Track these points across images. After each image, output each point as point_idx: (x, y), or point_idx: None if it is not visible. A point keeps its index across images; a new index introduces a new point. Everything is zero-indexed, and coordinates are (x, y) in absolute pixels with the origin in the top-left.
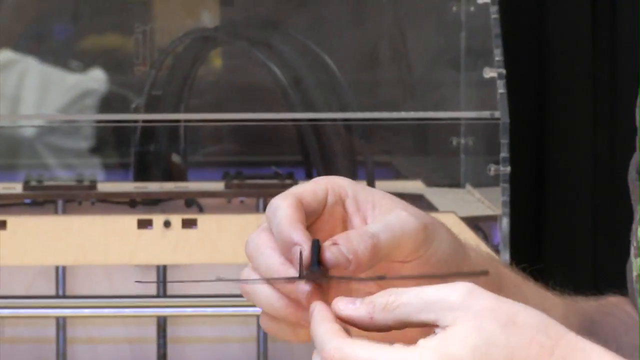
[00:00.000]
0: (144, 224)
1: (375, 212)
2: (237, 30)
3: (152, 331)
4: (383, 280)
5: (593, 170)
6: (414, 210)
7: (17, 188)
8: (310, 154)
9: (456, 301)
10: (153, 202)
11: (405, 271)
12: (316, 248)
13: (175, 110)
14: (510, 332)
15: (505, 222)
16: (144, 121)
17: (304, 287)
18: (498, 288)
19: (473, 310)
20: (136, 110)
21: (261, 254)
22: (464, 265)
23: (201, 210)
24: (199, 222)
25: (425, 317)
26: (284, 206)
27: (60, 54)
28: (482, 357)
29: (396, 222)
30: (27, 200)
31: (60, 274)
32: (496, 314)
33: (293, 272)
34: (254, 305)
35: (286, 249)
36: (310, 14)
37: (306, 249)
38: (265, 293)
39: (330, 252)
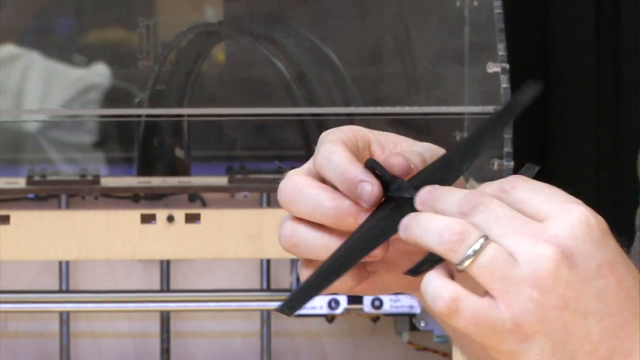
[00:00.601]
0: (147, 219)
1: (398, 148)
2: (241, 24)
3: (155, 326)
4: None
5: (597, 165)
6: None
7: (20, 183)
8: (314, 148)
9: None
10: (156, 197)
11: None
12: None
13: (179, 104)
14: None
15: None
16: (148, 116)
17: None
18: None
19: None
20: (140, 105)
21: (305, 194)
22: None
23: (204, 204)
24: (202, 217)
25: (537, 202)
26: (338, 150)
27: (64, 48)
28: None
29: (430, 147)
30: (31, 195)
31: (64, 268)
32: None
33: (347, 204)
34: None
35: (352, 187)
36: (314, 9)
37: (375, 183)
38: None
39: (397, 159)
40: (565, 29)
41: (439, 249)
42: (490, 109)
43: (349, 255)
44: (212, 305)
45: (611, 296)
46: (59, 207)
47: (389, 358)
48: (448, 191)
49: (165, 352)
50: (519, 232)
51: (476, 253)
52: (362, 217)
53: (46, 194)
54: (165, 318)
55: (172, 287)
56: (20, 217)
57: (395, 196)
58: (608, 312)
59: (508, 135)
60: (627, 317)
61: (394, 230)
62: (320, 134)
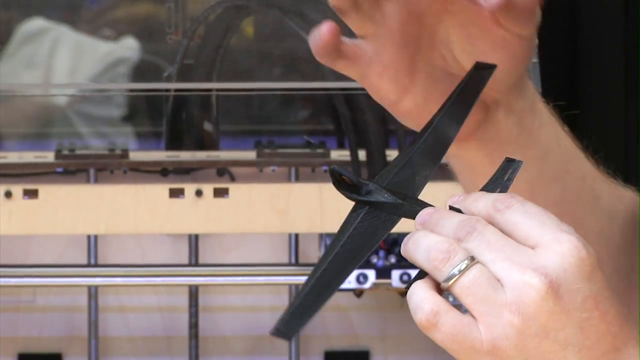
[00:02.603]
0: (175, 193)
1: None
2: None
3: (183, 300)
4: None
5: (625, 151)
6: None
7: (49, 157)
8: (342, 122)
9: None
10: (185, 171)
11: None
12: None
13: (207, 79)
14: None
15: None
16: (176, 90)
17: None
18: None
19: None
20: (168, 79)
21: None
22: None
23: (233, 179)
24: (230, 191)
25: (533, 230)
26: None
27: (93, 22)
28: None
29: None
30: (59, 169)
31: (92, 242)
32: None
33: None
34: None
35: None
36: None
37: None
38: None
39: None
40: (595, 15)
41: (425, 265)
42: None
43: (339, 267)
44: (240, 279)
45: (592, 329)
46: (88, 181)
47: (417, 332)
48: (446, 215)
49: (194, 326)
50: (508, 259)
51: (460, 273)
52: None
53: (75, 168)
54: (193, 292)
55: (200, 261)
56: (49, 191)
57: (370, 200)
58: (587, 345)
59: None
60: (605, 349)
61: (378, 237)
62: (348, 108)
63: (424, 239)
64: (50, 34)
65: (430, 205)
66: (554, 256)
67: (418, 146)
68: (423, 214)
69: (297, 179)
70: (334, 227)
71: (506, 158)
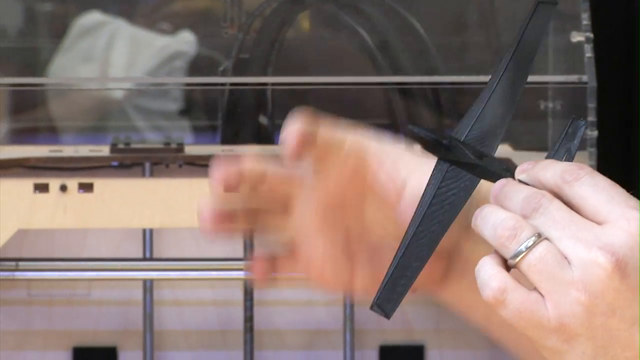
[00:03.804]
0: None
1: None
2: None
3: (238, 294)
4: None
5: None
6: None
7: (104, 151)
8: (397, 117)
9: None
10: None
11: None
12: None
13: (263, 73)
14: None
15: None
16: (232, 84)
17: None
18: None
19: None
20: (224, 73)
21: None
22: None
23: None
24: None
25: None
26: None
27: (150, 16)
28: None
29: None
30: (114, 163)
31: (148, 236)
32: None
33: None
34: None
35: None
36: None
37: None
38: None
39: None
40: None
41: (492, 242)
42: (574, 78)
43: (428, 233)
44: (296, 274)
45: None
46: (143, 175)
47: (472, 326)
48: (515, 189)
49: (249, 320)
50: (575, 237)
51: (527, 250)
52: None
53: (130, 162)
54: (248, 286)
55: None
56: (104, 185)
57: (450, 159)
58: None
59: (592, 104)
60: None
61: (462, 197)
62: (404, 103)
63: (492, 215)
64: (107, 28)
65: (505, 168)
66: (621, 234)
67: (491, 94)
68: (496, 186)
69: None
70: None
71: (572, 117)
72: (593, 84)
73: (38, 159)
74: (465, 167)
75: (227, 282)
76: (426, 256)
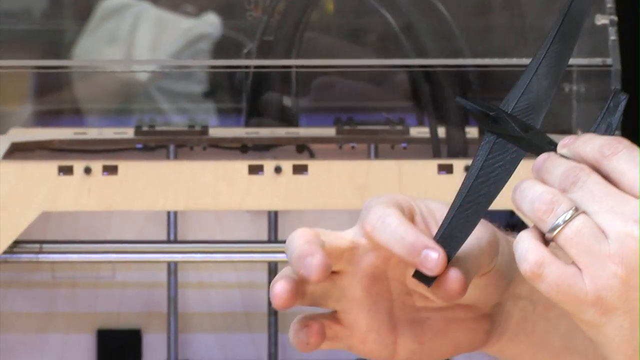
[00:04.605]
0: (255, 170)
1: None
2: None
3: (263, 276)
4: None
5: None
6: None
7: (128, 133)
8: (422, 100)
9: None
10: (264, 148)
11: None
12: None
13: (287, 55)
14: None
15: None
16: (256, 67)
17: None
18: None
19: None
20: (248, 56)
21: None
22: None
23: (312, 155)
24: (310, 168)
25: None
26: (393, 213)
27: None
28: None
29: (472, 243)
30: (139, 145)
31: (172, 219)
32: None
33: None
34: None
35: (414, 253)
36: None
37: (441, 252)
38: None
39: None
40: None
41: (530, 216)
42: (598, 61)
43: (474, 205)
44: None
45: None
46: (167, 157)
47: None
48: (556, 162)
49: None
50: (612, 210)
51: (564, 224)
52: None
53: (154, 144)
54: (272, 268)
55: (280, 237)
56: (128, 168)
57: (496, 132)
58: None
59: (616, 87)
60: None
61: (508, 169)
62: (428, 86)
63: (529, 189)
64: (132, 10)
65: (549, 141)
66: None
67: (539, 66)
68: (538, 160)
69: (377, 155)
70: None
71: (614, 89)
72: (617, 66)
73: (62, 142)
74: (511, 139)
75: (251, 265)
76: (470, 228)
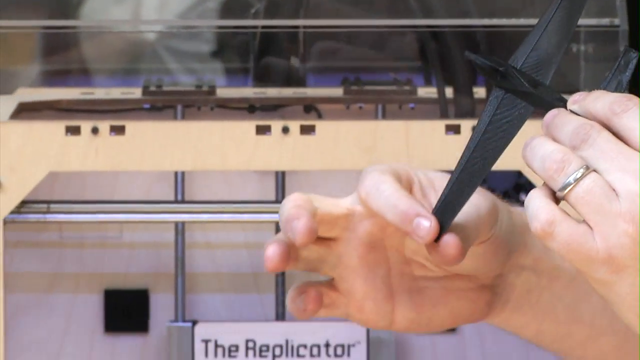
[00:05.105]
0: (262, 130)
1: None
2: None
3: (270, 237)
4: None
5: None
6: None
7: (136, 93)
8: (429, 60)
9: None
10: (272, 108)
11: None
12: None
13: (295, 15)
14: None
15: None
16: (263, 27)
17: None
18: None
19: None
20: (256, 16)
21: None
22: (516, 232)
23: (320, 116)
24: (317, 128)
25: None
26: (387, 180)
27: None
28: None
29: (471, 210)
30: (146, 106)
31: (179, 179)
32: None
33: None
34: None
35: (406, 221)
36: None
37: (432, 219)
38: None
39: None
40: None
41: (541, 174)
42: (606, 21)
43: (483, 157)
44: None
45: None
46: (175, 117)
47: None
48: (566, 119)
49: None
50: (623, 169)
51: (575, 182)
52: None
53: (162, 104)
54: (280, 229)
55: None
56: (136, 128)
57: (505, 87)
58: None
59: (624, 48)
60: None
61: (516, 125)
62: (436, 46)
63: (540, 147)
64: None
65: (558, 97)
66: None
67: (549, 22)
68: (547, 116)
69: (384, 116)
70: (420, 164)
71: (625, 47)
72: (625, 27)
73: (70, 102)
74: (520, 95)
75: (258, 225)
76: (477, 182)
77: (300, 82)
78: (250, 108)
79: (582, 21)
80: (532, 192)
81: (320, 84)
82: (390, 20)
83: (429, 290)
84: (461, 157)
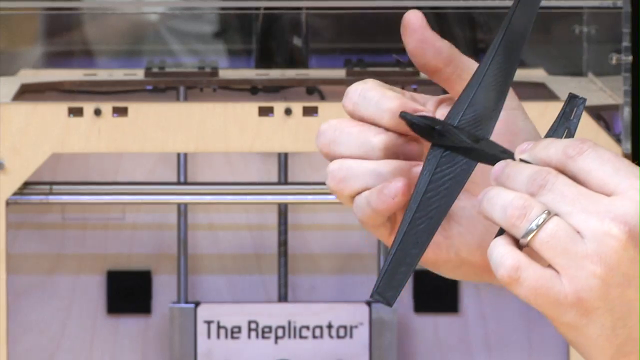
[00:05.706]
0: (265, 111)
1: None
2: None
3: (273, 218)
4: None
5: None
6: None
7: (139, 74)
8: None
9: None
10: (274, 89)
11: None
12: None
13: None
14: None
15: (627, 112)
16: (266, 8)
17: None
18: None
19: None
20: None
21: (348, 133)
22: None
23: (322, 97)
24: (320, 110)
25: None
26: (372, 87)
27: None
28: None
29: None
30: (149, 87)
31: (182, 160)
32: None
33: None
34: None
35: (393, 116)
36: None
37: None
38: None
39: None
40: None
41: (503, 223)
42: (609, 2)
43: (426, 219)
44: (330, 197)
45: None
46: (177, 99)
47: None
48: (517, 168)
49: (283, 244)
50: (586, 210)
51: (538, 228)
52: (411, 147)
53: (164, 85)
54: (283, 210)
55: (290, 179)
56: (138, 109)
57: (445, 144)
58: None
59: (626, 29)
60: None
61: (459, 182)
62: (439, 28)
63: (498, 197)
64: None
65: (502, 150)
66: (631, 204)
67: (482, 79)
68: (496, 168)
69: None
70: None
71: (570, 94)
72: (628, 8)
73: (72, 83)
74: (460, 151)
75: (261, 206)
76: (425, 242)
77: (302, 64)
78: (252, 89)
79: (584, 2)
80: (495, 241)
81: (323, 65)
82: (393, 2)
83: (463, 212)
84: (403, 218)
